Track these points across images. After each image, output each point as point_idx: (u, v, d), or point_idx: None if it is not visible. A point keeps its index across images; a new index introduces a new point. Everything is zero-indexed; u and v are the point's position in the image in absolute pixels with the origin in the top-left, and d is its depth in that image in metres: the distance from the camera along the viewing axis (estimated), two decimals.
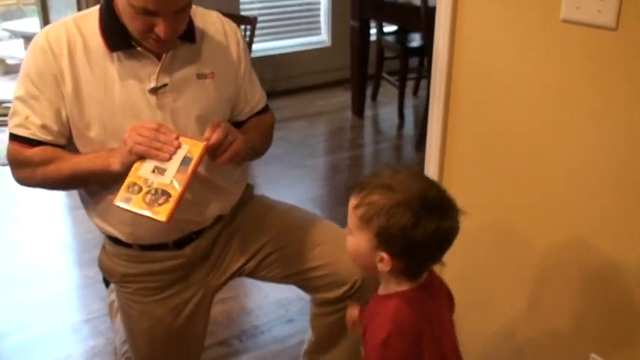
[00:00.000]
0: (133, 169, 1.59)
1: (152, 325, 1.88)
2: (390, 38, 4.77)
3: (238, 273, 1.95)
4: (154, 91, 1.67)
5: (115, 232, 1.80)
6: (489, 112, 1.81)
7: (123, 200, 1.58)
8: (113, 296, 2.34)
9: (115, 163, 1.61)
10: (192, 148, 1.59)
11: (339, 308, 1.86)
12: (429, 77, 4.08)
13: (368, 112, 4.95)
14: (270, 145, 1.96)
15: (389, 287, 1.36)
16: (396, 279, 1.34)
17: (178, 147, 1.58)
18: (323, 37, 5.62)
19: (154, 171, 1.58)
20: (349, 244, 1.35)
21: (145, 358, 1.96)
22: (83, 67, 1.65)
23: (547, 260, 1.76)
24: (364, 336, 1.38)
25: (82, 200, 1.86)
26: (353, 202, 1.31)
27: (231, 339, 2.48)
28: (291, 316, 2.60)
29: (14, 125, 1.68)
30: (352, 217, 1.31)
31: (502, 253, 1.89)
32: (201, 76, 1.74)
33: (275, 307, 2.65)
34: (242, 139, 1.67)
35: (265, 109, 1.95)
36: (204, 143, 1.58)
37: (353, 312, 1.57)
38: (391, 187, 1.27)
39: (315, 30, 5.61)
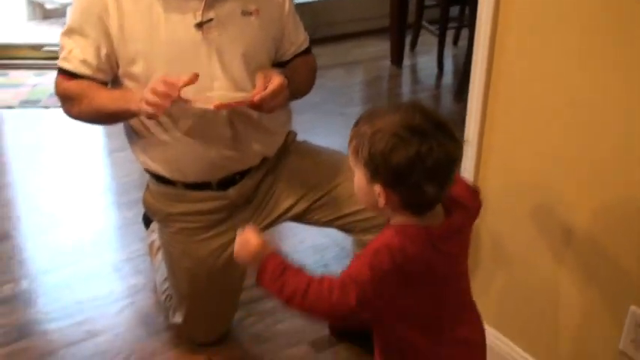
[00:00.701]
0: None
1: (193, 265, 1.92)
2: None
3: (283, 217, 1.97)
4: (199, 26, 1.68)
5: (159, 169, 1.82)
6: (537, 59, 1.77)
7: None
8: (153, 236, 2.39)
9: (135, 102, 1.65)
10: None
11: None
12: (470, 26, 4.05)
13: (406, 62, 4.87)
14: (312, 87, 1.98)
15: (396, 220, 1.31)
16: (401, 215, 1.28)
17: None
18: None
19: None
20: (354, 183, 1.31)
21: (186, 297, 2.00)
22: (128, 4, 1.67)
23: (587, 212, 1.74)
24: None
25: (128, 136, 1.88)
26: (350, 137, 1.27)
27: None
28: (327, 261, 2.62)
29: (60, 58, 1.75)
30: (349, 153, 1.28)
31: (544, 202, 1.88)
32: (246, 13, 1.74)
33: (311, 252, 2.68)
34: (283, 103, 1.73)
35: (308, 51, 1.95)
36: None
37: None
38: (379, 115, 1.23)
39: None
